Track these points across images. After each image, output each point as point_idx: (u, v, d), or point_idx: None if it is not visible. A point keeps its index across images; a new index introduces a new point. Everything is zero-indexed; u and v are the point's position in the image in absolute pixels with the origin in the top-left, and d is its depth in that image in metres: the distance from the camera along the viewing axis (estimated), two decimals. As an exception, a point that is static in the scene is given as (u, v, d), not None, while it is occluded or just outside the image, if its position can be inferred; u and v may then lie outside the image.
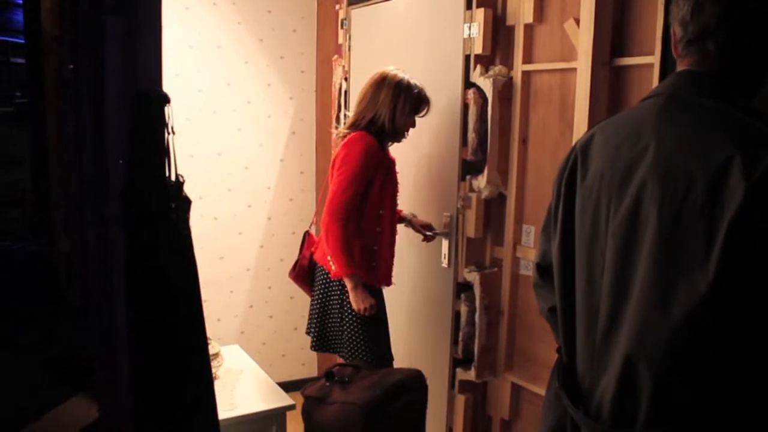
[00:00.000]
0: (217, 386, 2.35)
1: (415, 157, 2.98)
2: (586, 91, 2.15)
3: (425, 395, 2.43)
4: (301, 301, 3.51)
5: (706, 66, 1.08)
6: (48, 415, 1.08)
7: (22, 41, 1.09)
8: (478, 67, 2.57)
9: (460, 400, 2.75)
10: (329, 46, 3.82)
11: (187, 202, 1.24)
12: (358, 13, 3.41)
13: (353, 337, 2.57)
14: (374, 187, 2.54)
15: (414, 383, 2.37)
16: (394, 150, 2.71)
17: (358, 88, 2.68)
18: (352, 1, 3.46)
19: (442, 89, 2.74)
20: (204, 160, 3.56)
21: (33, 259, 1.14)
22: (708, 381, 0.97)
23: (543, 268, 1.33)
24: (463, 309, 2.68)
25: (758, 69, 1.08)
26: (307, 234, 2.84)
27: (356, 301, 2.50)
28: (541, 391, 2.27)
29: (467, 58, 2.63)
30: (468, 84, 2.63)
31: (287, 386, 2.82)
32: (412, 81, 2.58)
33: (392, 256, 2.68)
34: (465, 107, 2.63)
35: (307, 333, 2.76)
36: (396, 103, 2.54)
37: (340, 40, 3.64)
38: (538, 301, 1.38)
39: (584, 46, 2.16)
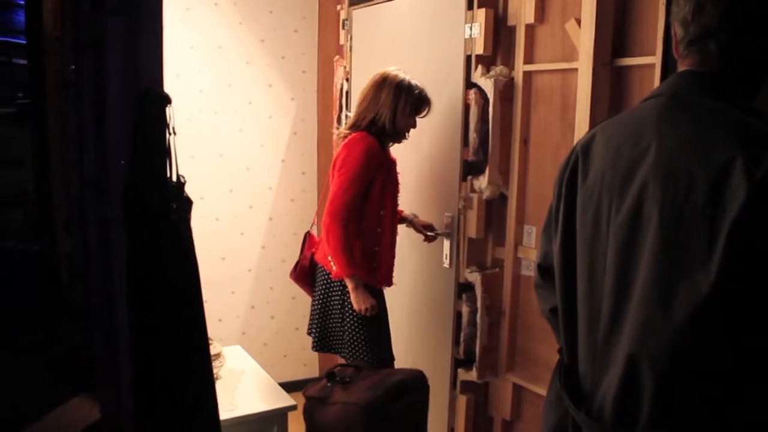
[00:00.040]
0: (219, 387, 2.35)
1: (417, 157, 2.98)
2: (588, 92, 2.15)
3: (427, 396, 2.43)
4: (303, 301, 3.51)
5: (708, 66, 1.08)
6: (49, 416, 1.08)
7: (24, 42, 1.09)
8: (480, 67, 2.57)
9: (462, 400, 2.75)
10: (330, 46, 3.83)
11: (188, 203, 1.24)
12: (359, 13, 3.41)
13: (354, 338, 2.57)
14: (375, 188, 2.54)
15: (415, 384, 2.37)
16: (396, 150, 2.71)
17: (359, 88, 2.68)
18: (353, 1, 3.46)
19: (444, 90, 2.74)
20: (205, 161, 3.56)
21: (35, 259, 1.14)
22: (710, 381, 0.97)
23: (544, 269, 1.33)
24: (465, 309, 2.68)
25: (759, 69, 1.07)
26: (308, 234, 2.84)
27: (357, 301, 2.50)
28: (543, 391, 2.27)
29: (468, 58, 2.63)
30: (469, 84, 2.63)
31: (289, 387, 2.82)
32: (413, 81, 2.58)
33: (393, 256, 2.68)
34: (466, 108, 2.63)
35: (308, 333, 2.76)
36: (397, 104, 2.54)
37: (342, 41, 3.65)
38: (539, 302, 1.38)
39: (585, 46, 2.16)
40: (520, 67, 2.49)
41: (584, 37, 2.17)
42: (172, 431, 1.22)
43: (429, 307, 2.98)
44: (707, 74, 1.08)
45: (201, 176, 3.50)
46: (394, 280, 2.71)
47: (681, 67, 1.13)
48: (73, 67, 1.12)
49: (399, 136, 2.62)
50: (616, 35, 2.16)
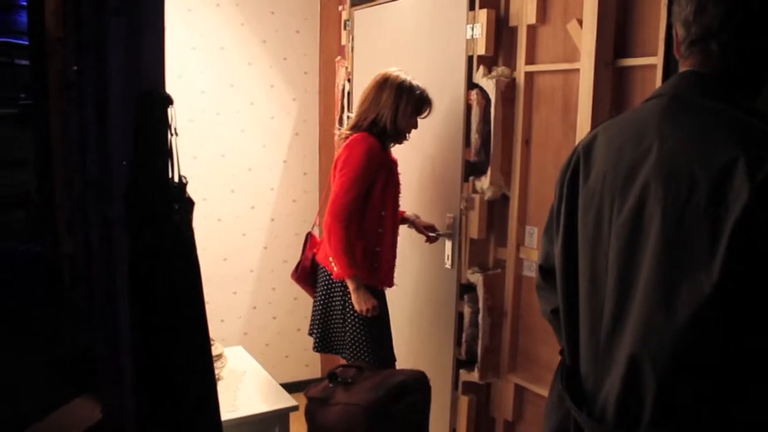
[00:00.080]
0: (221, 387, 2.35)
1: (419, 158, 2.98)
2: (589, 92, 2.15)
3: (428, 396, 2.43)
4: (305, 302, 3.51)
5: (709, 67, 1.07)
6: (52, 416, 1.08)
7: (27, 43, 1.10)
8: (481, 68, 2.57)
9: (464, 401, 2.75)
10: (332, 47, 3.83)
11: (190, 204, 1.24)
12: (361, 14, 3.41)
13: (356, 338, 2.57)
14: (376, 189, 2.54)
15: (417, 384, 2.37)
16: (398, 151, 2.72)
17: (361, 89, 2.68)
18: (355, 2, 3.46)
19: (445, 90, 2.74)
20: (207, 162, 3.56)
21: (37, 260, 1.14)
22: (712, 381, 0.97)
23: (545, 270, 1.33)
24: (467, 310, 2.68)
25: (761, 70, 1.07)
26: (309, 235, 2.85)
27: (358, 302, 2.51)
28: (545, 392, 2.26)
29: (470, 59, 2.63)
30: (471, 85, 2.63)
31: (290, 387, 2.83)
32: (414, 82, 2.58)
33: (394, 257, 2.68)
34: (468, 108, 2.63)
35: (310, 334, 2.76)
36: (398, 105, 2.54)
37: (343, 42, 3.65)
38: (540, 303, 1.38)
39: (587, 46, 2.16)
40: (522, 68, 2.49)
41: (586, 38, 2.16)
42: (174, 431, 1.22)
43: (431, 307, 2.98)
44: (709, 75, 1.08)
45: (203, 177, 3.51)
46: (396, 280, 2.71)
47: (682, 68, 1.12)
48: (75, 68, 1.12)
49: (400, 137, 2.62)
50: (617, 36, 2.16)
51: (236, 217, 3.71)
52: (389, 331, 2.69)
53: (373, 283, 2.58)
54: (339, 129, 3.34)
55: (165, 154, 1.19)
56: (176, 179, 1.22)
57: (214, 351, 2.37)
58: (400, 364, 2.74)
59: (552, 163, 2.43)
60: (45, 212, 1.16)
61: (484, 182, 2.60)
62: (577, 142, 1.27)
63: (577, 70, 2.22)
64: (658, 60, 1.98)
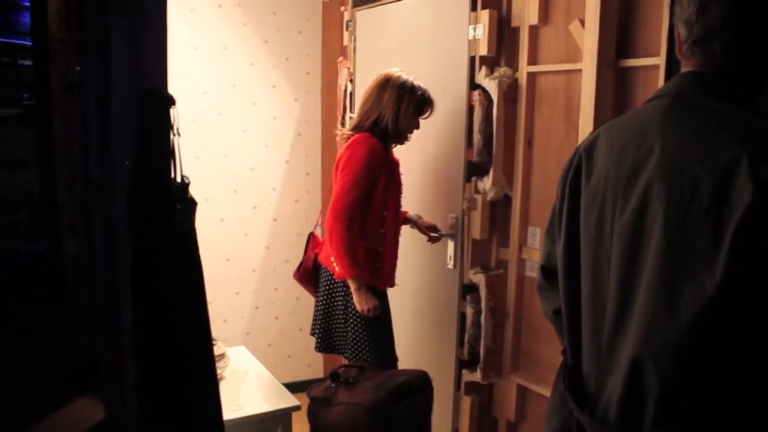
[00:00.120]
0: (223, 387, 2.36)
1: (421, 158, 2.98)
2: (592, 93, 2.15)
3: (431, 396, 2.43)
4: (307, 302, 3.51)
5: (711, 67, 1.07)
6: (54, 416, 1.08)
7: (29, 43, 1.10)
8: (483, 68, 2.57)
9: (466, 401, 2.75)
10: (334, 47, 3.83)
11: (192, 204, 1.24)
12: (363, 14, 3.42)
13: (358, 339, 2.57)
14: (378, 189, 2.54)
15: (419, 384, 2.37)
16: (400, 151, 2.72)
17: (363, 89, 2.68)
18: (357, 2, 3.46)
19: (447, 91, 2.74)
20: (210, 162, 3.57)
21: (40, 260, 1.14)
22: (715, 382, 0.97)
23: (547, 270, 1.33)
24: (469, 310, 2.68)
25: (763, 70, 1.07)
26: (311, 235, 2.85)
27: (359, 302, 2.51)
28: (547, 393, 2.26)
29: (472, 59, 2.63)
30: (473, 85, 2.63)
31: (293, 387, 2.83)
32: (416, 82, 2.58)
33: (396, 257, 2.68)
34: (470, 109, 2.63)
35: (312, 334, 2.76)
36: (400, 105, 2.54)
37: (346, 42, 3.65)
38: (542, 303, 1.38)
39: (589, 47, 2.16)
40: (524, 68, 2.49)
41: (588, 38, 2.16)
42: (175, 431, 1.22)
43: (433, 308, 2.98)
44: (711, 75, 1.07)
45: (205, 177, 3.51)
46: (399, 281, 2.71)
47: (684, 68, 1.12)
48: (78, 68, 1.12)
49: (402, 137, 2.62)
50: (620, 36, 2.16)
51: (239, 217, 3.71)
52: (391, 332, 2.69)
53: (374, 284, 2.58)
54: (340, 129, 3.35)
55: (167, 154, 1.19)
56: (179, 179, 1.22)
57: (217, 351, 2.37)
58: (402, 364, 2.74)
59: (554, 164, 2.43)
60: (48, 212, 1.16)
61: (486, 183, 2.60)
62: (579, 143, 1.27)
63: (580, 70, 2.22)
64: (660, 60, 1.98)
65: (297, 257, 2.97)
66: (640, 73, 2.12)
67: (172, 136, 1.20)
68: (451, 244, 2.80)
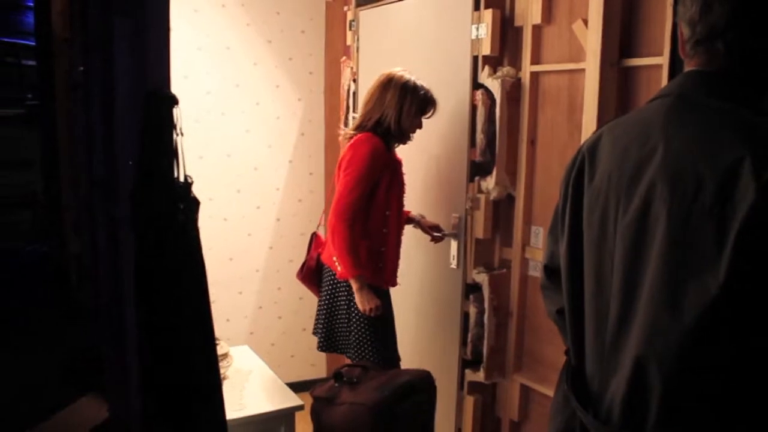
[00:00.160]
0: (226, 387, 2.36)
1: (424, 158, 2.98)
2: (595, 92, 2.15)
3: (434, 396, 2.43)
4: (310, 302, 3.51)
5: (715, 66, 1.07)
6: (58, 415, 1.09)
7: (33, 43, 1.10)
8: (486, 68, 2.57)
9: (469, 401, 2.75)
10: (338, 47, 3.83)
11: (195, 204, 1.24)
12: (366, 14, 3.42)
13: (360, 338, 2.57)
14: (380, 189, 2.54)
15: (422, 384, 2.37)
16: (403, 151, 2.72)
17: (366, 89, 2.68)
18: (360, 2, 3.46)
19: (450, 90, 2.74)
20: (213, 162, 3.57)
21: (44, 260, 1.15)
22: (718, 382, 0.97)
23: (550, 270, 1.33)
24: (472, 310, 2.68)
25: (767, 69, 1.07)
26: (314, 235, 2.85)
27: (362, 302, 2.51)
28: (550, 392, 2.26)
29: (475, 59, 2.63)
30: (476, 85, 2.63)
31: (296, 387, 2.83)
32: (419, 82, 2.58)
33: (398, 257, 2.68)
34: (473, 108, 2.63)
35: (314, 334, 2.76)
36: (402, 105, 2.54)
37: (349, 42, 3.65)
38: (545, 303, 1.38)
39: (592, 46, 2.15)
40: (527, 68, 2.49)
41: (591, 38, 2.16)
42: (179, 431, 1.23)
43: (436, 307, 2.98)
44: (714, 74, 1.07)
45: (209, 177, 3.52)
46: (402, 280, 2.71)
47: (687, 67, 1.12)
48: (82, 68, 1.12)
49: (404, 137, 2.62)
50: (623, 36, 2.16)
51: (242, 217, 3.71)
52: (394, 331, 2.69)
53: (377, 283, 2.58)
54: (343, 129, 3.35)
55: (171, 154, 1.20)
56: (182, 179, 1.22)
57: (220, 350, 2.37)
58: (405, 364, 2.74)
59: (557, 163, 2.43)
60: (51, 212, 1.17)
61: (489, 182, 2.60)
62: (582, 142, 1.27)
63: (583, 70, 2.22)
64: (663, 60, 1.98)
65: (300, 257, 2.97)
66: (643, 72, 2.12)
67: (175, 135, 1.20)
68: (454, 244, 2.80)
